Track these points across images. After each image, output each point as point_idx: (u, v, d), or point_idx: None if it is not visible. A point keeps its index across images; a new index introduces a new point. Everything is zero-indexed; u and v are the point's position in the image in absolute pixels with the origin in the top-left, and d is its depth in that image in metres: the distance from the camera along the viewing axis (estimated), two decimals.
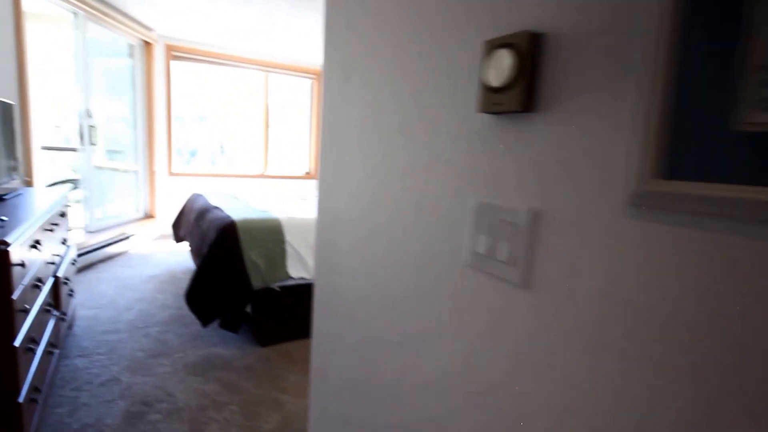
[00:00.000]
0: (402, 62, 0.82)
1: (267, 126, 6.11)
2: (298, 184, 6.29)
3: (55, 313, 2.21)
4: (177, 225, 4.14)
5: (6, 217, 1.79)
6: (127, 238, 4.63)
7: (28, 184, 3.38)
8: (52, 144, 5.19)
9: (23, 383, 1.61)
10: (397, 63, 0.84)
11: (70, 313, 2.65)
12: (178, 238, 4.12)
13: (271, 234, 2.73)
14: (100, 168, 4.47)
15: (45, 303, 1.99)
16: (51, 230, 2.22)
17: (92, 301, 3.22)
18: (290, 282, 2.75)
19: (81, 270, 3.85)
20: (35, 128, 4.82)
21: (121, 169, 4.99)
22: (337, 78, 1.09)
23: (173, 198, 5.36)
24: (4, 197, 2.26)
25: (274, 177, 6.13)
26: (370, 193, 0.93)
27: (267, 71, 5.87)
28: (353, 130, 1.02)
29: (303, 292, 2.81)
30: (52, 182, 4.56)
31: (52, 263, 2.23)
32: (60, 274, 2.32)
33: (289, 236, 2.77)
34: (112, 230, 4.43)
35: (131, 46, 4.88)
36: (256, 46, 5.40)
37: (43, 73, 4.82)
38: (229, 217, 2.79)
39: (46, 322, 2.02)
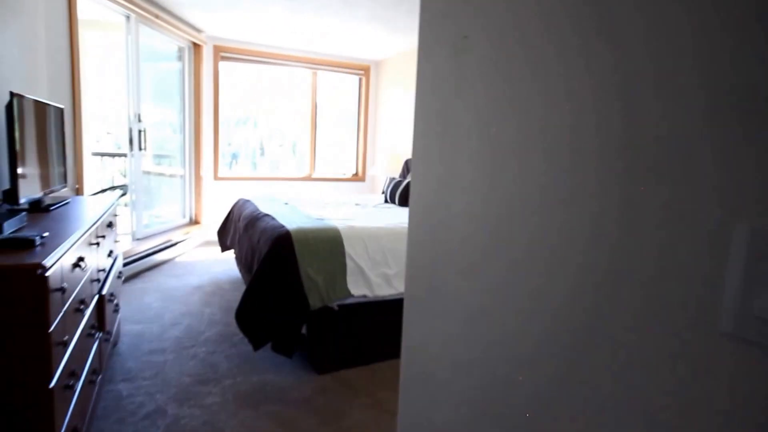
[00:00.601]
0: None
1: (314, 126, 5.90)
2: (346, 187, 6.05)
3: (99, 334, 2.01)
4: (223, 232, 3.96)
5: (48, 232, 1.58)
6: (174, 245, 4.50)
7: (78, 191, 3.25)
8: (103, 150, 5.16)
9: (60, 428, 1.39)
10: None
11: (114, 330, 2.47)
12: (224, 246, 3.94)
13: (330, 245, 2.46)
14: (148, 173, 4.37)
15: (88, 326, 1.78)
16: (97, 244, 2.02)
17: (138, 314, 3.05)
18: (350, 300, 2.47)
19: (126, 280, 3.72)
20: (86, 134, 4.79)
21: (168, 174, 4.88)
22: (444, 54, 0.78)
23: (219, 203, 5.23)
24: (50, 207, 2.08)
25: (321, 180, 5.92)
26: (512, 201, 0.61)
27: (315, 69, 5.66)
28: (473, 115, 0.70)
29: (364, 312, 2.53)
30: (100, 189, 4.51)
31: (97, 280, 2.04)
32: (105, 290, 2.13)
33: (349, 248, 2.50)
34: (158, 237, 4.30)
35: (180, 49, 4.76)
36: (305, 42, 5.19)
37: (94, 80, 4.79)
38: (282, 226, 2.54)
39: (88, 348, 1.81)
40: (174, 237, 4.51)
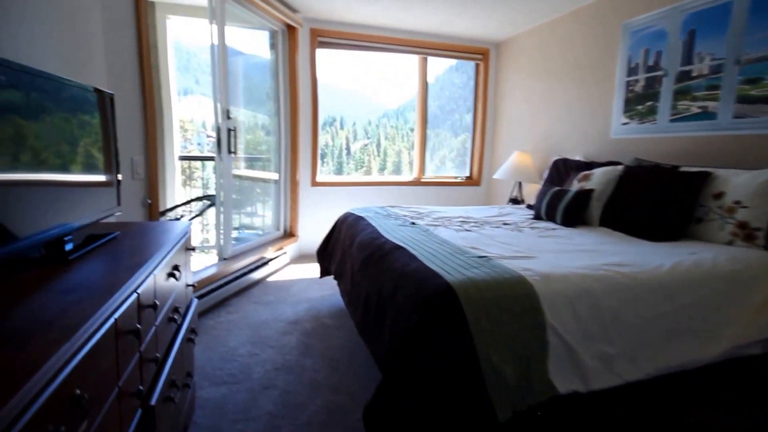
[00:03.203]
0: None
1: (424, 121, 4.91)
2: (459, 193, 5.00)
3: (170, 409, 1.15)
4: (324, 254, 3.08)
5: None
6: (266, 263, 3.74)
7: (151, 208, 2.51)
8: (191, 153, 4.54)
9: None
10: None
11: (187, 403, 1.64)
12: (325, 271, 3.07)
13: (522, 311, 1.43)
14: (239, 177, 3.64)
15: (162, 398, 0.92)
16: (156, 306, 1.17)
17: (219, 368, 2.23)
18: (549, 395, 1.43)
19: (209, 310, 2.96)
20: (173, 135, 4.19)
21: (261, 180, 4.15)
22: None
23: (316, 212, 4.41)
24: (74, 253, 1.24)
25: (431, 184, 4.92)
26: None
27: (425, 53, 4.67)
28: None
29: (572, 416, 1.47)
30: (184, 201, 3.86)
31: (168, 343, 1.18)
32: (176, 349, 1.27)
33: (552, 314, 1.45)
34: (248, 255, 3.54)
35: (273, 34, 3.99)
36: (413, 22, 4.22)
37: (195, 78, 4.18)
38: (435, 274, 1.56)
39: None
40: (267, 253, 3.75)
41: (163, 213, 3.64)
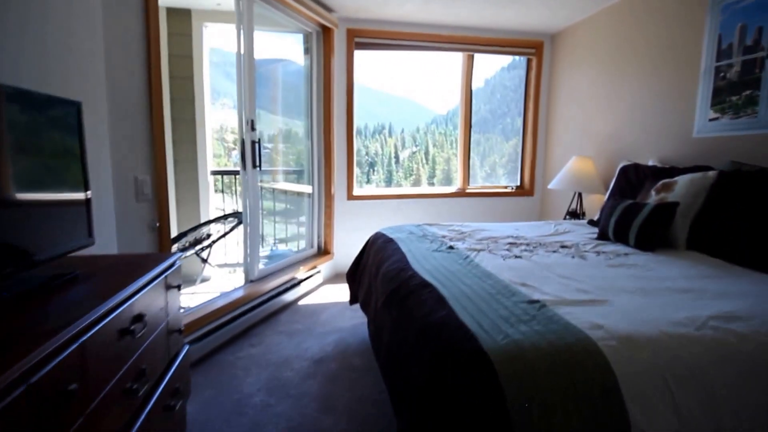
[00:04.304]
0: None
1: (468, 125, 4.45)
2: (509, 204, 4.48)
3: None
4: (353, 278, 2.70)
5: None
6: (297, 284, 3.43)
7: (162, 233, 2.25)
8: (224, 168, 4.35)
9: None
10: None
11: None
12: (355, 299, 2.69)
13: (589, 398, 0.98)
14: (271, 191, 3.38)
15: None
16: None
17: (227, 423, 1.90)
18: None
19: (228, 343, 2.67)
20: (207, 149, 3.98)
21: (295, 193, 3.87)
22: None
23: (353, 227, 4.07)
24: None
25: (477, 195, 4.43)
26: None
27: (471, 50, 4.21)
28: None
29: None
30: (205, 221, 3.64)
31: None
32: None
33: (635, 404, 0.99)
34: (278, 276, 3.25)
35: (307, 36, 3.70)
36: (457, 16, 3.79)
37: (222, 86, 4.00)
38: (463, 327, 1.13)
39: None
40: (298, 273, 3.44)
41: (183, 234, 3.43)
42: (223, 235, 3.59)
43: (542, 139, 4.42)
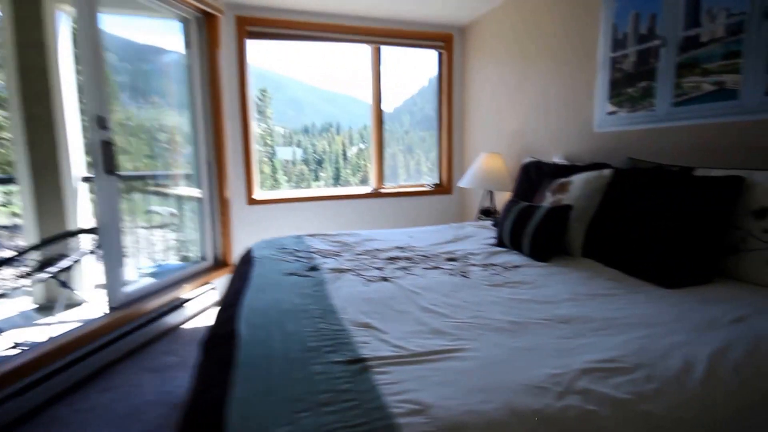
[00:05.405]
0: None
1: (379, 121, 4.08)
2: (429, 204, 4.15)
3: None
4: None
5: None
6: (180, 305, 2.92)
7: None
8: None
9: None
10: None
11: None
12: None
13: None
14: (167, 195, 2.83)
15: None
16: None
17: None
18: None
19: (72, 389, 2.12)
20: (73, 153, 3.29)
21: (190, 198, 3.33)
22: None
23: (259, 235, 3.59)
24: None
25: (393, 195, 4.08)
26: None
27: (377, 42, 3.82)
28: None
29: None
30: (61, 232, 2.99)
31: None
32: None
33: None
34: (158, 297, 2.73)
35: (186, 24, 3.16)
36: (361, 6, 3.39)
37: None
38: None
39: None
40: (184, 292, 2.93)
41: (22, 253, 2.81)
42: (88, 254, 3.00)
43: (458, 135, 4.13)
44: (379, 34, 3.75)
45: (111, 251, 2.52)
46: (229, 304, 1.35)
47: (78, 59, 3.14)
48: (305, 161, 4.47)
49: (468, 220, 3.82)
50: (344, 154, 4.93)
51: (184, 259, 3.34)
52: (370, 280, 1.53)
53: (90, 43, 2.33)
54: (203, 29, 3.21)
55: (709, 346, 0.99)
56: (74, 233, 3.11)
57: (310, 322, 1.17)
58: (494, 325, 1.14)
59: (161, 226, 3.29)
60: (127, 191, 2.91)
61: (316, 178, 4.57)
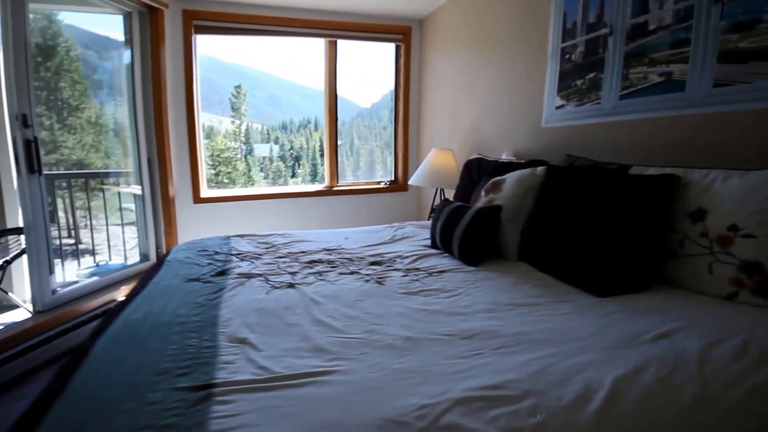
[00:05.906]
0: None
1: (333, 117, 3.92)
2: (384, 201, 4.01)
3: None
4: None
5: None
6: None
7: None
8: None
9: None
10: None
11: None
12: None
13: None
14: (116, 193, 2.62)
15: None
16: None
17: None
18: None
19: None
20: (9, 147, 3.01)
21: (139, 196, 3.12)
22: None
23: (206, 234, 3.40)
24: None
25: (347, 193, 3.92)
26: None
27: (332, 36, 3.65)
28: None
29: None
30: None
31: None
32: None
33: None
34: (91, 299, 2.54)
35: (128, 17, 2.95)
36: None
37: None
38: None
39: None
40: (121, 293, 2.74)
41: None
42: (19, 255, 2.79)
43: (414, 130, 3.99)
44: (335, 27, 3.58)
45: (37, 252, 2.33)
46: (111, 315, 1.18)
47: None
48: (282, 158, 4.33)
49: (424, 219, 3.69)
50: (321, 151, 4.79)
51: (145, 258, 3.15)
52: (275, 287, 1.37)
53: (15, 34, 2.13)
54: (146, 22, 3.00)
55: (619, 369, 0.86)
56: (5, 232, 2.89)
57: (181, 337, 1.01)
58: (385, 342, 1.00)
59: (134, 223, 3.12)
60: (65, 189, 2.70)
61: (294, 175, 4.45)
